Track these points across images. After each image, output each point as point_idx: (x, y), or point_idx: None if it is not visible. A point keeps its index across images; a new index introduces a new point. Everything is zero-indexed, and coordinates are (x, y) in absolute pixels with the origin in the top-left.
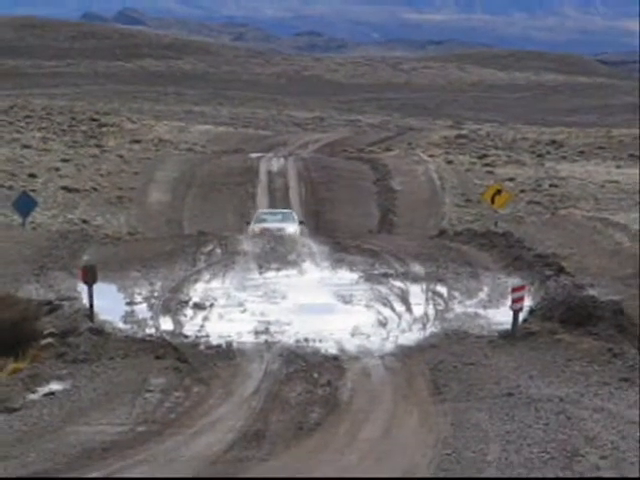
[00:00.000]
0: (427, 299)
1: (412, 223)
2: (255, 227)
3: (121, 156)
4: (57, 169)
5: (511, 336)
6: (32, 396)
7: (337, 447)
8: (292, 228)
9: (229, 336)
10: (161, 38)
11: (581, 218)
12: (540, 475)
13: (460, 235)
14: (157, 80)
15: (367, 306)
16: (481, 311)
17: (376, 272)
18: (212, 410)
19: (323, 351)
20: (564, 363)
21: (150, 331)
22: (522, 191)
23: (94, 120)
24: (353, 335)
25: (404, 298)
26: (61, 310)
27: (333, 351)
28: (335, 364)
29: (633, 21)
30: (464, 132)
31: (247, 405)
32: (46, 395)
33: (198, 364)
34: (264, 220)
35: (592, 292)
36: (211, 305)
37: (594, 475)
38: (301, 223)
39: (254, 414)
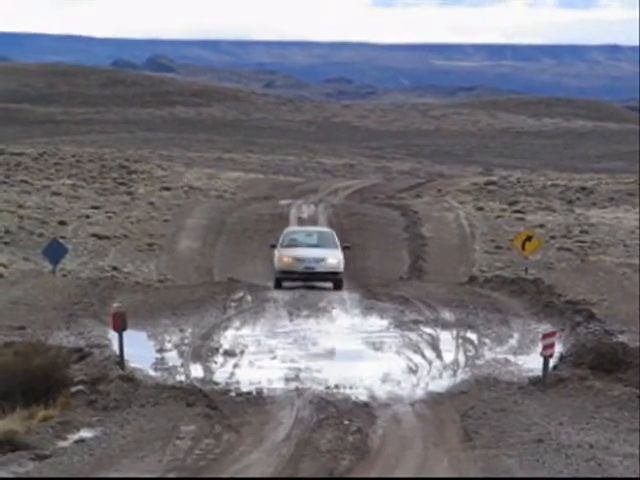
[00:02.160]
0: (457, 346)
1: (442, 270)
2: (283, 254)
3: (151, 203)
4: (87, 216)
5: (541, 383)
6: (62, 443)
7: None
8: (334, 258)
9: (259, 383)
10: (191, 85)
11: (611, 264)
12: None
13: (490, 282)
14: (187, 127)
15: (397, 353)
16: (511, 358)
17: (406, 319)
18: (242, 457)
19: (354, 398)
20: (594, 409)
21: (180, 378)
22: (552, 237)
23: (124, 167)
24: (383, 382)
25: (434, 345)
26: (91, 357)
27: (363, 398)
28: (366, 411)
29: None
30: (494, 179)
31: (277, 452)
32: (76, 442)
33: (228, 411)
34: (295, 243)
35: (622, 338)
36: (241, 352)
37: None
38: (346, 248)
39: (284, 461)
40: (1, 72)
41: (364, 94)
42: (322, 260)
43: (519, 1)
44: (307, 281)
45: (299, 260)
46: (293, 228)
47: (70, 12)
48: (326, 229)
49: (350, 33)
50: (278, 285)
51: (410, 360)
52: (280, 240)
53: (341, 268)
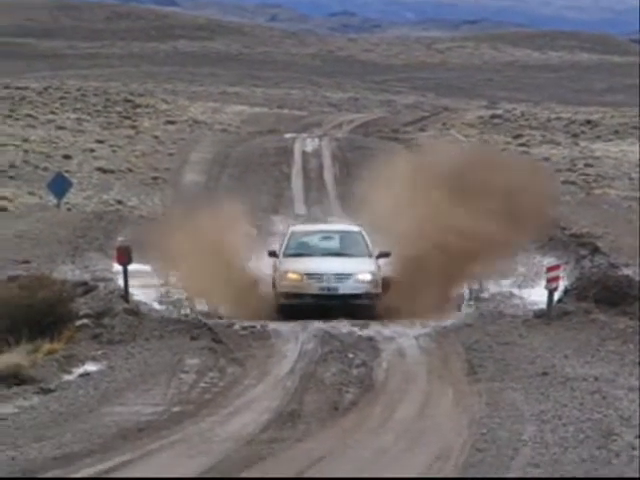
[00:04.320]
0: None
1: None
2: (288, 269)
3: (156, 137)
4: (92, 150)
5: (546, 316)
6: (67, 377)
7: (372, 427)
8: (366, 273)
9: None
10: (195, 19)
11: (616, 198)
12: (575, 455)
13: None
14: (191, 61)
15: None
16: (516, 291)
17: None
18: (247, 390)
19: (358, 331)
20: (599, 342)
21: (185, 312)
22: (557, 171)
23: (128, 101)
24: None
25: None
26: (96, 291)
27: (368, 332)
28: (370, 344)
29: None
30: (499, 112)
31: (282, 385)
32: (81, 376)
33: (233, 345)
34: (306, 251)
35: (627, 272)
36: None
37: (630, 454)
38: (382, 256)
39: (289, 394)
40: (4, 7)
41: (368, 28)
42: (348, 277)
43: None
44: (325, 309)
45: (313, 277)
46: (301, 227)
47: None
48: (353, 227)
49: None
50: (283, 314)
51: None
52: (283, 245)
53: (377, 288)
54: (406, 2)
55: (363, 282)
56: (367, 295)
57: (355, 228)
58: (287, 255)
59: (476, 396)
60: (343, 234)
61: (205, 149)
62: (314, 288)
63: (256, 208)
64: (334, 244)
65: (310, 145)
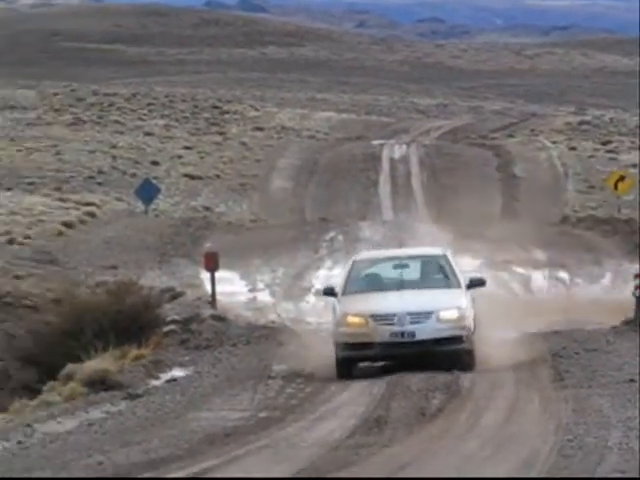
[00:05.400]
0: (549, 285)
1: (534, 210)
2: (349, 311)
3: (244, 143)
4: (180, 156)
5: (634, 322)
6: (155, 382)
7: (458, 433)
8: (452, 309)
9: None
10: (284, 25)
11: None
12: None
13: (583, 221)
14: (280, 67)
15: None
16: (604, 297)
17: (498, 259)
18: (333, 397)
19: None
20: None
21: (272, 317)
22: None
23: (216, 108)
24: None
25: (526, 284)
26: (183, 297)
27: None
28: None
29: None
30: (587, 118)
31: (368, 392)
32: (168, 381)
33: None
34: (374, 285)
35: None
36: None
37: None
38: (475, 285)
39: (375, 400)
40: (94, 13)
41: (457, 34)
42: (428, 316)
43: None
44: (400, 361)
45: (381, 320)
46: (366, 254)
47: None
48: (435, 250)
49: None
50: (343, 372)
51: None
52: (343, 280)
53: (469, 327)
54: (495, 8)
55: (448, 321)
56: (454, 339)
57: (438, 251)
58: (348, 293)
59: (562, 402)
60: (422, 260)
61: (293, 155)
62: (383, 334)
63: (344, 214)
64: (410, 274)
65: (398, 152)
